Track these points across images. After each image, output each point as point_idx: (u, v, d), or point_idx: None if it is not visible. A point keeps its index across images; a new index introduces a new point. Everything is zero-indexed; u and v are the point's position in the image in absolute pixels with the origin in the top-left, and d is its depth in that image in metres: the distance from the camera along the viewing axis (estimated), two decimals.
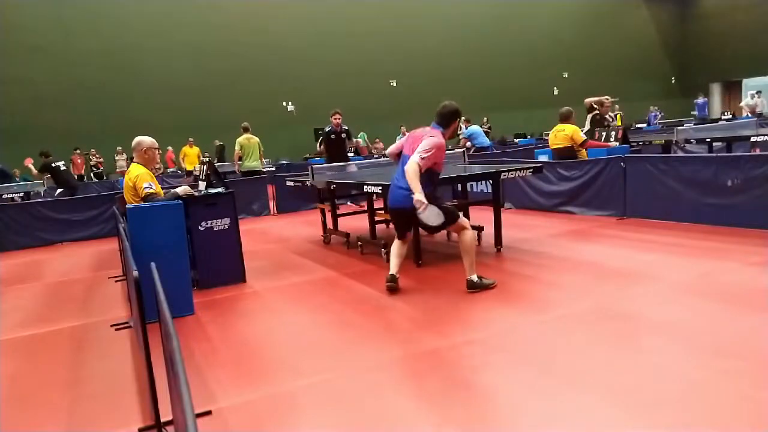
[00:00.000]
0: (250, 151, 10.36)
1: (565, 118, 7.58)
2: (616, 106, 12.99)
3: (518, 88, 24.54)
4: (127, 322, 4.16)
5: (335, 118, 9.17)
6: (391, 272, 4.32)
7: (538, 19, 25.12)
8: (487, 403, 2.52)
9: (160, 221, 4.10)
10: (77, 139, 16.92)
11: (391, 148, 4.73)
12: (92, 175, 16.71)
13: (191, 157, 14.86)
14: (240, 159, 10.37)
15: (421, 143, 4.11)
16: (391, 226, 7.50)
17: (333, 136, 9.19)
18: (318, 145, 9.28)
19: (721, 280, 3.92)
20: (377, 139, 19.31)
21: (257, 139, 10.53)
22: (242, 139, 10.29)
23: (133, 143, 4.73)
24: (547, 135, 18.57)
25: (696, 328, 3.09)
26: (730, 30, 25.92)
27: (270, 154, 15.78)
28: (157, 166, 4.93)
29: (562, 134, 7.53)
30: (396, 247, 4.43)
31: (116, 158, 16.97)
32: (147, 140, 4.72)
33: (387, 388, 2.73)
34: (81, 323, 4.33)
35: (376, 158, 11.44)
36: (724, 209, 5.44)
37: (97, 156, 16.94)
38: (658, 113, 21.86)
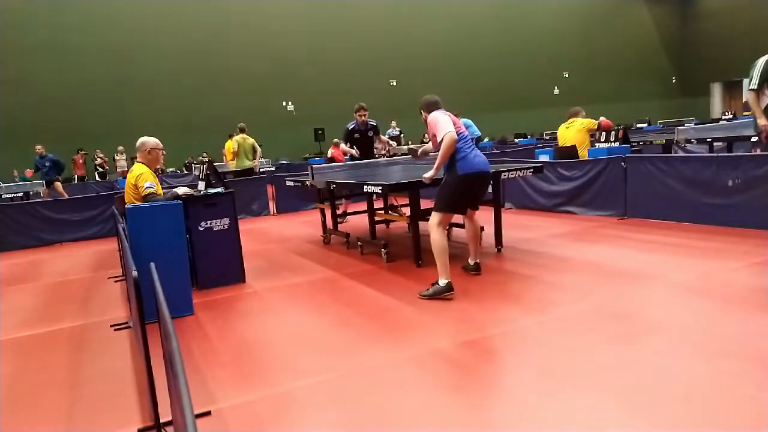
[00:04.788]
0: (243, 150, 10.50)
1: (575, 115, 7.70)
2: None
3: (518, 87, 24.55)
4: (126, 323, 4.15)
5: (360, 115, 7.48)
6: (449, 280, 4.02)
7: (539, 18, 25.14)
8: (487, 403, 2.52)
9: (159, 221, 4.10)
10: (77, 139, 16.93)
11: (452, 126, 4.13)
12: (96, 174, 16.68)
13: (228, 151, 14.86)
14: (233, 157, 10.55)
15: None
16: (394, 225, 7.53)
17: (357, 135, 7.61)
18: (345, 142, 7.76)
19: (722, 280, 3.91)
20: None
21: (253, 140, 10.71)
22: (239, 137, 10.48)
23: (138, 143, 4.74)
24: (548, 135, 18.63)
25: (697, 328, 3.09)
26: (730, 30, 25.94)
27: (270, 154, 15.82)
28: (159, 166, 4.94)
29: (576, 125, 7.58)
30: (446, 240, 4.12)
31: (116, 158, 16.97)
32: (152, 141, 4.74)
33: (387, 389, 2.72)
34: (81, 323, 4.33)
35: (376, 158, 11.39)
36: (724, 209, 5.43)
37: (102, 156, 16.93)
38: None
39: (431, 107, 4.37)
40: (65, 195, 11.72)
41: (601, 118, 7.96)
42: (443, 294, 3.99)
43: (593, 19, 26.48)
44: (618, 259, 4.71)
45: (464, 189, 4.19)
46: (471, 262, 4.66)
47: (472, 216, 4.55)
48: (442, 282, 4.02)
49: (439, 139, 4.13)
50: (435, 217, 4.15)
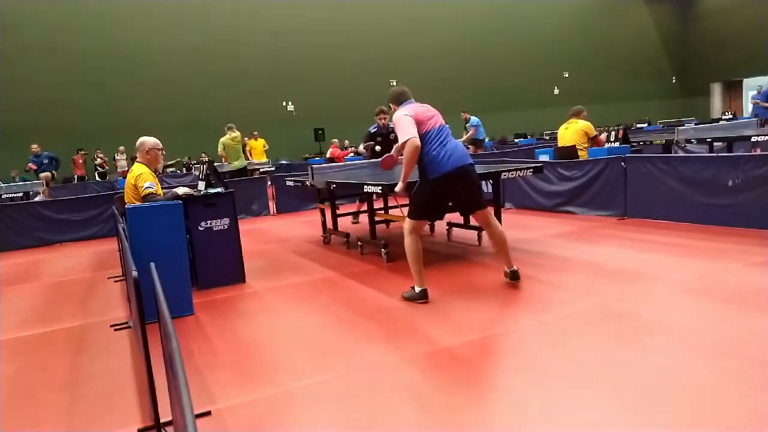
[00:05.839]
0: (233, 151, 10.35)
1: (577, 114, 7.68)
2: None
3: (518, 87, 24.52)
4: (126, 323, 4.15)
5: (381, 118, 7.68)
6: (424, 287, 3.96)
7: (539, 18, 25.11)
8: (488, 403, 2.52)
9: (159, 221, 4.09)
10: (78, 139, 16.92)
11: (414, 130, 3.85)
12: (96, 174, 16.66)
13: (258, 150, 14.80)
14: (225, 159, 10.44)
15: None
16: (394, 225, 7.52)
17: (379, 138, 7.79)
18: (364, 146, 8.01)
19: (722, 280, 3.91)
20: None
21: (239, 136, 10.58)
22: (226, 139, 10.31)
23: (137, 143, 4.75)
24: (548, 135, 18.64)
25: (697, 328, 3.09)
26: (730, 30, 25.92)
27: (270, 154, 15.79)
28: (159, 166, 4.96)
29: (575, 126, 7.58)
30: (419, 247, 3.98)
31: (117, 157, 16.95)
32: (150, 140, 4.74)
33: (387, 389, 2.72)
34: (81, 323, 4.33)
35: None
36: (724, 209, 5.43)
37: (102, 156, 16.92)
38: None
39: (400, 98, 4.06)
40: (49, 197, 11.46)
41: (602, 137, 8.03)
42: (417, 300, 3.95)
43: (593, 19, 26.46)
44: (618, 259, 4.71)
45: (437, 194, 3.94)
46: (507, 269, 4.16)
47: (484, 220, 4.11)
48: (417, 289, 3.98)
49: (400, 143, 3.93)
50: (407, 224, 4.01)
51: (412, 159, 3.84)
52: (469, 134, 12.76)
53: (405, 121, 3.87)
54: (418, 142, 3.81)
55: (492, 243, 4.23)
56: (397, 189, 4.07)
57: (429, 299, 3.97)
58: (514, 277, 4.13)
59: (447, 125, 4.08)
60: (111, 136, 17.21)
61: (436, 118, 4.01)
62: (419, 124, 3.89)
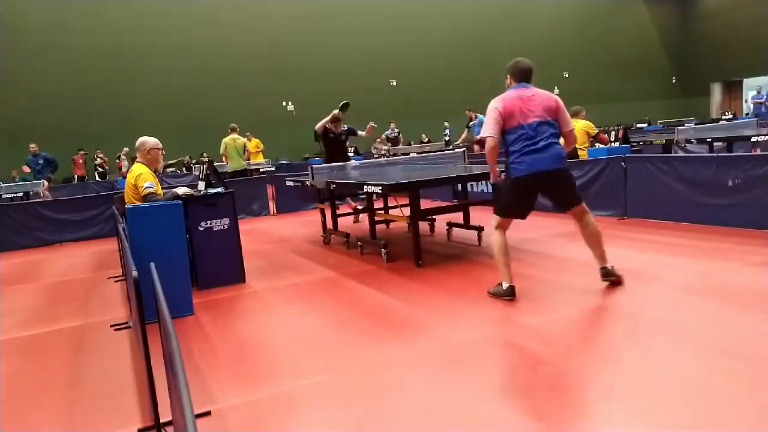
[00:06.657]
0: (235, 151, 10.42)
1: (575, 114, 7.70)
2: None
3: None
4: (126, 323, 4.15)
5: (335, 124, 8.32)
6: (510, 283, 3.84)
7: (539, 18, 25.12)
8: (486, 403, 2.51)
9: (159, 221, 4.10)
10: (78, 139, 16.91)
11: (495, 128, 3.76)
12: (96, 174, 16.66)
13: (251, 150, 14.76)
14: (226, 159, 10.50)
15: (561, 108, 3.86)
16: (394, 225, 7.53)
17: (331, 135, 8.20)
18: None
19: (722, 280, 3.91)
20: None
21: (243, 140, 10.73)
22: (228, 139, 10.41)
23: (137, 143, 4.75)
24: None
25: (696, 328, 3.09)
26: (731, 30, 25.92)
27: (270, 154, 15.80)
28: (159, 166, 4.97)
29: (576, 126, 7.60)
30: (504, 241, 3.88)
31: (122, 156, 16.93)
32: (151, 140, 4.75)
33: (387, 389, 2.72)
34: (81, 323, 4.33)
35: (376, 158, 11.41)
36: (724, 209, 5.43)
37: (102, 156, 16.92)
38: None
39: (517, 76, 3.87)
40: (49, 197, 11.48)
41: (603, 136, 8.10)
42: (503, 297, 3.85)
43: (593, 20, 26.46)
44: (618, 259, 4.69)
45: (518, 193, 3.85)
46: (599, 267, 3.94)
47: (577, 216, 4.00)
48: (504, 285, 3.87)
49: (480, 136, 3.91)
50: (494, 220, 3.99)
51: (492, 157, 3.86)
52: (468, 134, 12.77)
53: (489, 116, 3.78)
54: (493, 142, 3.76)
55: (585, 241, 4.02)
56: (491, 180, 4.14)
57: (516, 297, 3.83)
58: (604, 274, 3.89)
59: (553, 119, 3.79)
60: (111, 136, 17.21)
61: (535, 113, 3.73)
62: (508, 117, 3.73)
